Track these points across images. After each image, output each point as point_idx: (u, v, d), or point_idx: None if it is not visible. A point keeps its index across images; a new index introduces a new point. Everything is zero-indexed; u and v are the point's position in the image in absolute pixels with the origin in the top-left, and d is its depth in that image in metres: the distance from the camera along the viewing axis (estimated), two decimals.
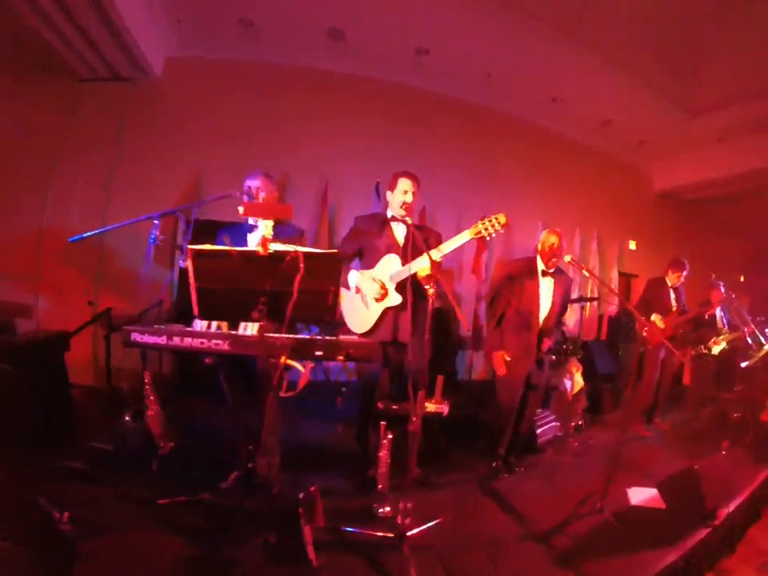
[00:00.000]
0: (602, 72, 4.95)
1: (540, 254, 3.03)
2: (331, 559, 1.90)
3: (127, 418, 2.65)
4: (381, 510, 2.23)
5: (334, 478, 2.65)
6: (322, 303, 1.62)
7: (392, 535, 1.98)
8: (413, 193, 2.51)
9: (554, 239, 2.99)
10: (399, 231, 2.56)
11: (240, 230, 2.39)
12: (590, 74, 5.03)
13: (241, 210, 1.62)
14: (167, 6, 4.00)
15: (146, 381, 2.50)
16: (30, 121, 4.01)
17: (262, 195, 2.36)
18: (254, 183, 2.36)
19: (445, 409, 2.20)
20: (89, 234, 2.22)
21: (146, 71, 4.35)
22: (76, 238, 2.20)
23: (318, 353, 1.72)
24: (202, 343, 1.78)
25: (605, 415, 4.65)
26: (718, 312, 4.43)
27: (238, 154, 4.63)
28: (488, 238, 2.23)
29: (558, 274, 3.03)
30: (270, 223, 1.60)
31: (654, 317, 4.03)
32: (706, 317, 4.31)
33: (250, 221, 2.40)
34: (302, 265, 1.50)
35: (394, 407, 2.13)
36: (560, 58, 4.79)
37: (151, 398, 2.54)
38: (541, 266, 3.01)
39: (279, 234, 2.39)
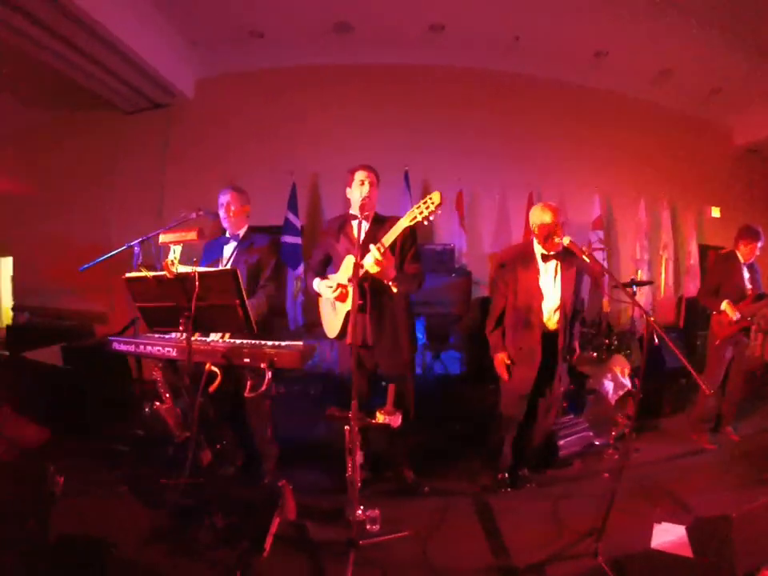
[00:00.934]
0: (649, 15, 4.29)
1: (536, 236, 2.62)
2: (282, 552, 2.04)
3: (146, 410, 3.13)
4: (351, 515, 2.16)
5: (327, 475, 2.76)
6: (234, 316, 1.80)
7: (343, 540, 1.99)
8: (370, 183, 2.47)
9: (547, 216, 2.54)
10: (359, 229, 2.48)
11: (218, 243, 2.67)
12: (635, 20, 4.39)
13: (161, 238, 1.87)
14: (180, 30, 4.48)
15: (157, 378, 2.92)
16: (86, 152, 4.89)
17: (232, 209, 2.58)
18: (224, 198, 2.60)
19: (395, 420, 2.07)
20: (96, 261, 2.61)
21: (178, 96, 4.97)
22: (86, 266, 2.54)
23: (246, 360, 1.90)
24: (158, 350, 2.09)
25: (665, 420, 3.99)
26: None
27: (267, 158, 5.07)
28: (425, 223, 2.09)
29: (566, 255, 2.58)
30: (179, 248, 1.80)
31: (725, 305, 3.31)
32: None
33: (227, 234, 2.67)
34: (197, 283, 1.70)
35: (338, 414, 2.14)
36: (597, 6, 4.28)
37: (165, 394, 2.97)
38: (539, 249, 2.60)
39: (253, 243, 2.61)
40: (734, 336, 3.32)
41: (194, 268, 1.74)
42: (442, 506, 2.50)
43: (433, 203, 2.02)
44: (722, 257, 3.63)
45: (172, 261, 1.74)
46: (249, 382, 2.23)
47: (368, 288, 2.33)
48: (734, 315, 3.27)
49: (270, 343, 1.94)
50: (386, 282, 2.30)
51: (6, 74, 4.26)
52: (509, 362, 2.62)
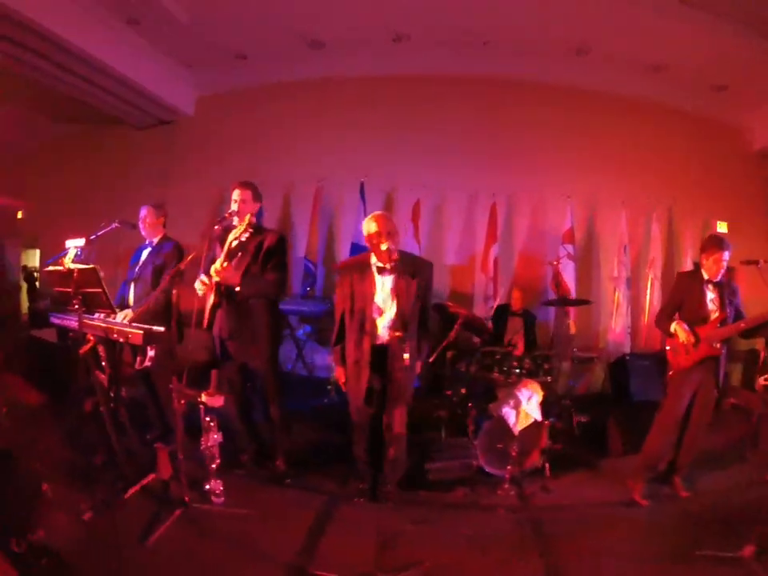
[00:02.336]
0: (634, 2, 4.46)
1: (369, 247, 2.91)
2: (140, 501, 2.67)
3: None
4: (207, 486, 2.85)
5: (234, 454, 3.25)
6: (101, 300, 2.81)
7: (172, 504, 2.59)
8: (242, 201, 3.07)
9: (372, 226, 2.80)
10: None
11: (140, 249, 3.66)
12: (618, 8, 4.59)
13: (66, 243, 2.96)
14: (175, 57, 5.78)
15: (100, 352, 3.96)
16: (103, 162, 6.40)
17: (147, 221, 3.56)
18: (142, 213, 3.57)
19: (216, 401, 2.66)
20: (55, 257, 3.63)
21: (181, 113, 6.33)
22: (49, 261, 3.26)
23: (115, 335, 2.88)
24: (69, 323, 3.15)
25: (611, 460, 3.80)
26: None
27: (256, 168, 6.13)
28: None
29: (403, 266, 2.74)
30: (74, 251, 2.85)
31: (675, 326, 3.11)
32: None
33: (146, 240, 3.66)
34: (75, 275, 2.71)
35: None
36: None
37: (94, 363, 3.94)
38: (376, 262, 2.88)
39: (162, 249, 3.59)
40: (693, 367, 3.07)
41: (77, 265, 2.77)
42: (296, 500, 2.95)
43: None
44: (684, 274, 3.60)
45: (66, 259, 2.81)
46: (138, 357, 3.26)
47: (224, 289, 3.04)
48: (685, 338, 3.05)
49: (132, 324, 2.87)
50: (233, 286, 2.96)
51: (37, 98, 5.87)
52: (343, 379, 3.01)
